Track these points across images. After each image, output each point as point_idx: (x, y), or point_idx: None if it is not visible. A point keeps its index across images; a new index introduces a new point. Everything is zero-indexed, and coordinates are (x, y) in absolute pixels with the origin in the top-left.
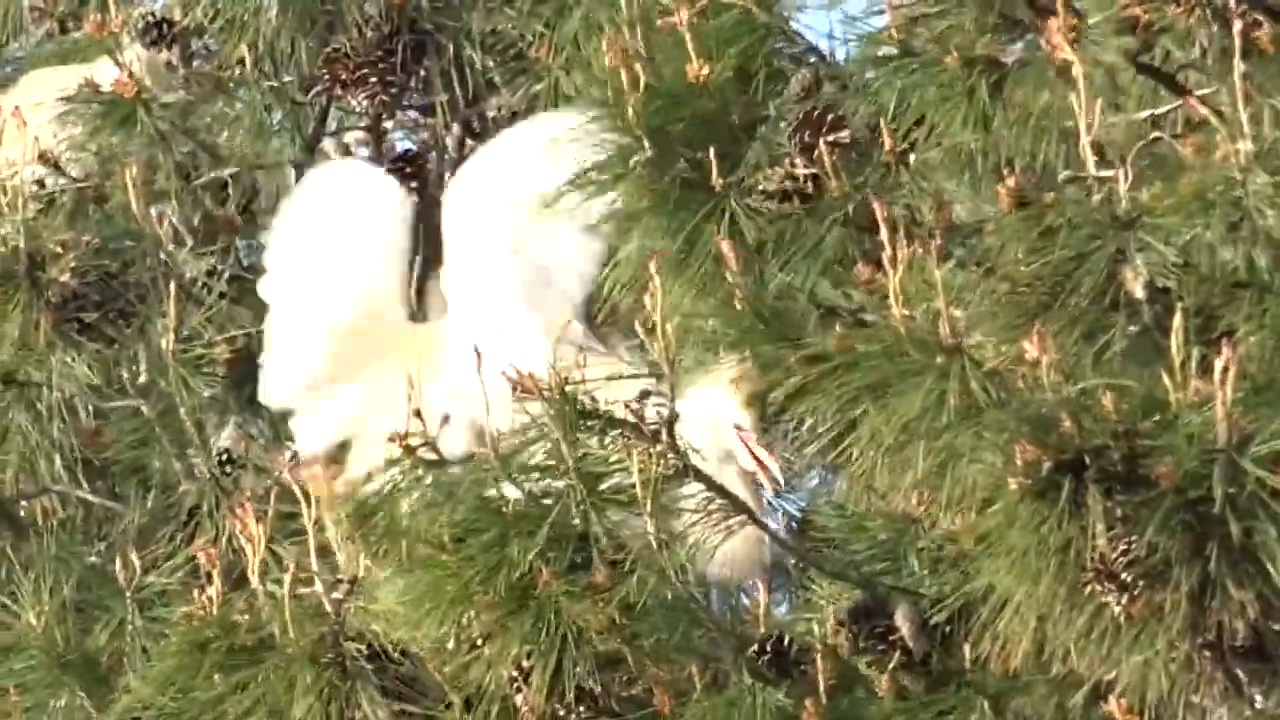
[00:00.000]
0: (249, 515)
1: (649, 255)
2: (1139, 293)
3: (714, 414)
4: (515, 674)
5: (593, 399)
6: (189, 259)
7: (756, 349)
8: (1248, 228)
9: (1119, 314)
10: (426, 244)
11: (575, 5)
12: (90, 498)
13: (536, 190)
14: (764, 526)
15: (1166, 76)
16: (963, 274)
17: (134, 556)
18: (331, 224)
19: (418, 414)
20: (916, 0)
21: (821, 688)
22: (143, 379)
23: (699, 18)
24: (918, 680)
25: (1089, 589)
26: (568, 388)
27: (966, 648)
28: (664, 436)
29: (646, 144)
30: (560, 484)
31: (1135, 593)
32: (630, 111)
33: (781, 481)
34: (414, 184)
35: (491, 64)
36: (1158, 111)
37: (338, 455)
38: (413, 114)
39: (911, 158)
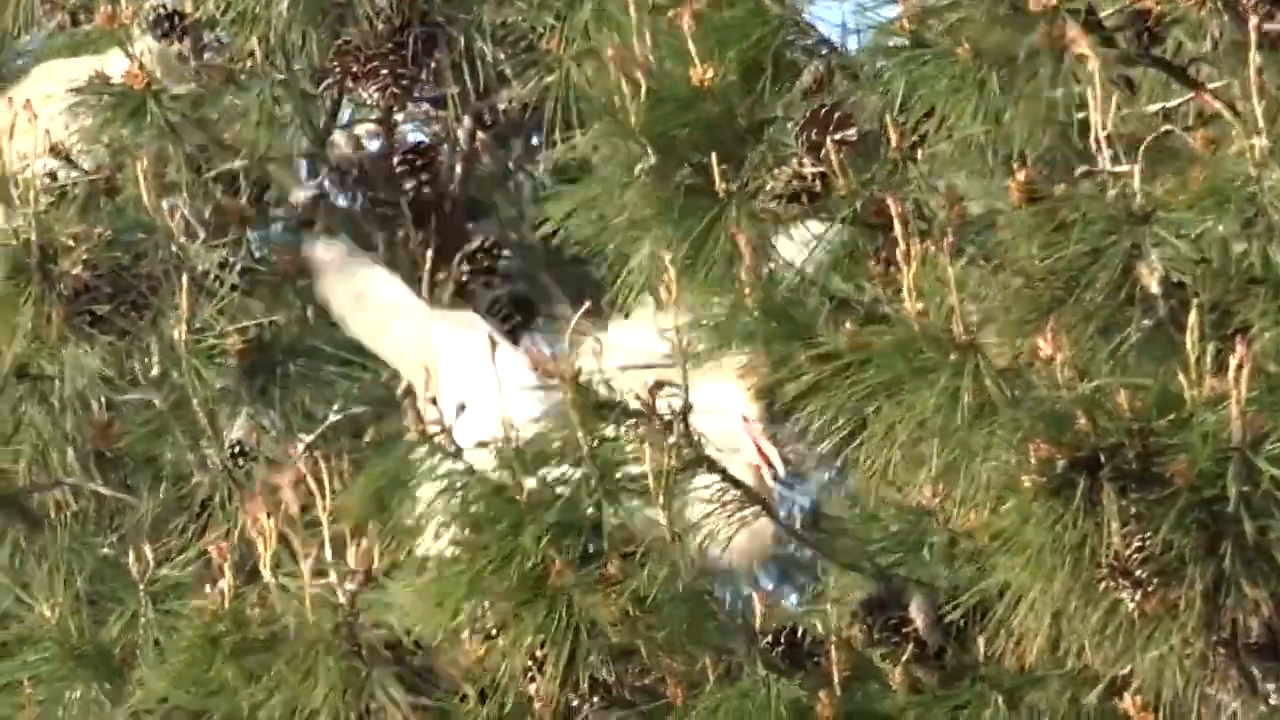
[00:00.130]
0: (260, 509)
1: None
2: (1154, 288)
3: (722, 405)
4: (530, 663)
5: (609, 388)
6: (201, 251)
7: (768, 346)
8: (1263, 223)
9: (1134, 310)
10: (439, 234)
11: None
12: (103, 490)
13: None
14: (777, 518)
15: (1178, 69)
16: (976, 270)
17: (147, 549)
18: None
19: (433, 401)
20: None
21: (835, 679)
22: (155, 371)
23: (711, 9)
24: (931, 674)
25: (1103, 585)
26: (583, 377)
27: (981, 642)
28: (678, 427)
29: (650, 151)
30: (575, 473)
31: (1150, 590)
32: (633, 118)
33: (783, 476)
34: (425, 176)
35: (502, 56)
36: (1169, 105)
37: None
38: (424, 106)
39: (920, 152)
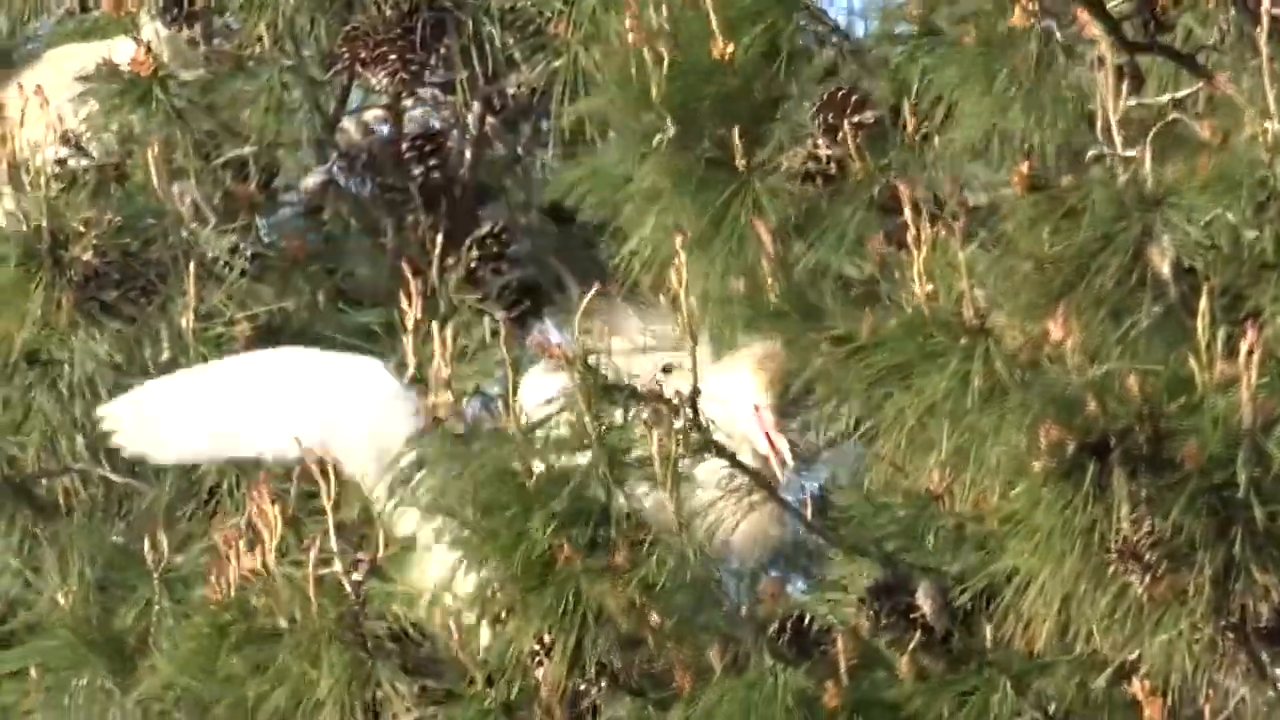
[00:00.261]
0: (265, 498)
1: (673, 232)
2: (1165, 273)
3: (732, 393)
4: (537, 649)
5: (617, 372)
6: (211, 237)
7: (783, 330)
8: (1275, 208)
9: (1144, 294)
10: (448, 220)
11: None
12: (112, 476)
13: None
14: (785, 504)
15: (1187, 58)
16: (986, 255)
17: (163, 537)
18: None
19: (447, 384)
20: None
21: (843, 668)
22: (165, 357)
23: None
24: (938, 660)
25: (1113, 570)
26: (591, 360)
27: (989, 628)
28: (686, 412)
29: (669, 122)
30: (583, 458)
31: (1159, 574)
32: (654, 89)
33: (791, 467)
34: (433, 161)
35: (511, 40)
36: (1179, 95)
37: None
38: (433, 91)
39: (936, 141)
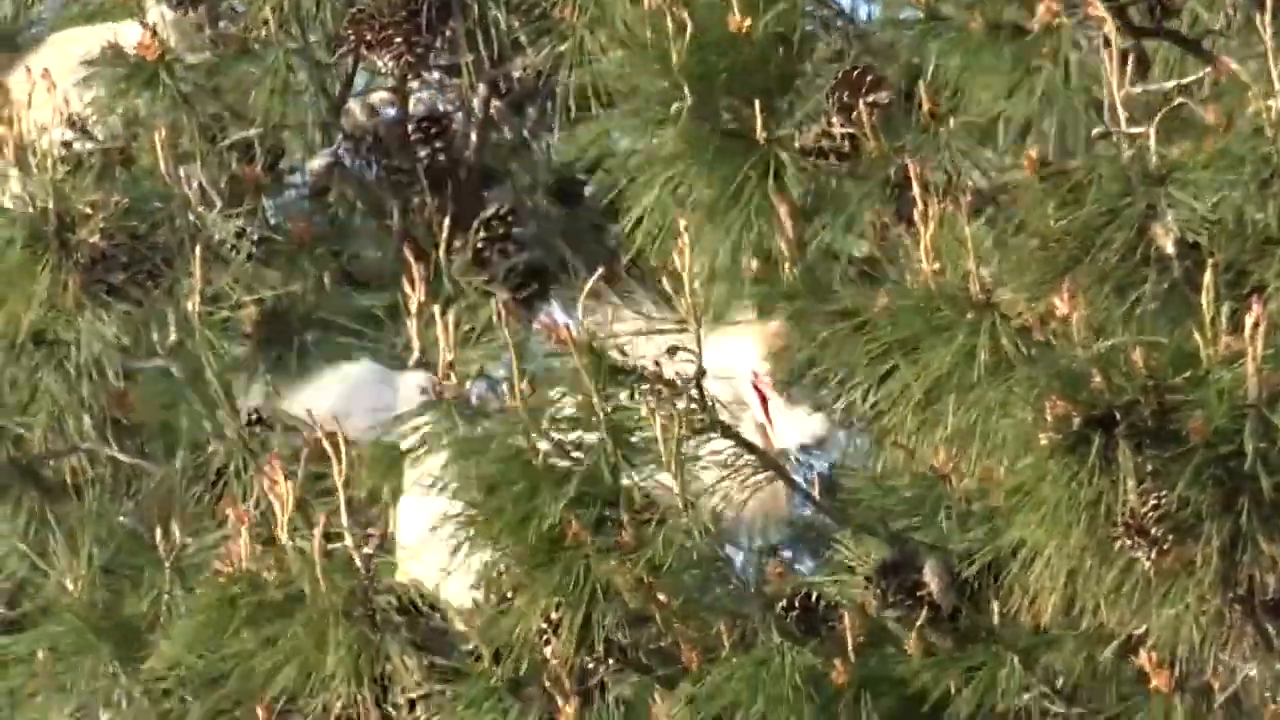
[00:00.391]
0: (278, 472)
1: (681, 204)
2: (1169, 249)
3: (732, 362)
4: (545, 626)
5: (623, 353)
6: (217, 220)
7: (794, 307)
8: (1278, 184)
9: (1149, 270)
10: (454, 202)
11: None
12: (120, 456)
13: None
14: (793, 483)
15: (1193, 43)
16: (993, 232)
17: (174, 524)
18: None
19: (450, 367)
20: None
21: (850, 645)
22: (171, 340)
23: None
24: (946, 637)
25: (1119, 544)
26: (597, 342)
27: (995, 604)
28: (691, 392)
29: (687, 91)
30: (591, 437)
31: (1165, 547)
32: (674, 56)
33: (786, 435)
34: (439, 144)
35: (516, 24)
36: (1185, 81)
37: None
38: (438, 74)
39: (952, 121)
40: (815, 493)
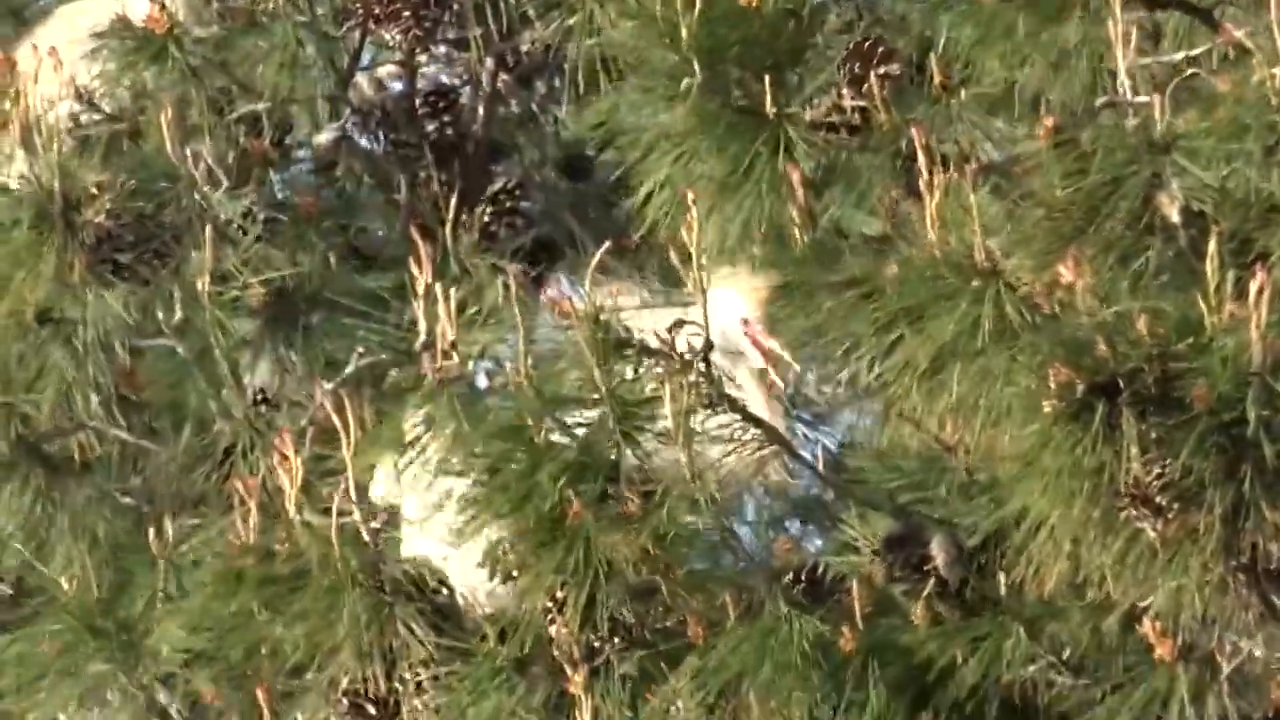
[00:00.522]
0: (288, 445)
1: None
2: (1175, 217)
3: (721, 313)
4: (550, 605)
5: (626, 328)
6: (223, 200)
7: (803, 277)
8: None
9: (1154, 239)
10: (462, 177)
11: None
12: (125, 436)
13: None
14: (798, 457)
15: (1203, 12)
16: (999, 201)
17: (169, 524)
18: None
19: (453, 346)
20: None
21: (858, 614)
22: (177, 319)
23: None
24: (952, 610)
25: (1123, 513)
26: (601, 316)
27: (1001, 574)
28: (698, 366)
29: (696, 67)
30: (593, 414)
31: (1169, 516)
32: (684, 31)
33: (796, 368)
34: (447, 118)
35: None
36: (1194, 52)
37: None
38: (446, 48)
39: (963, 93)
40: (820, 465)
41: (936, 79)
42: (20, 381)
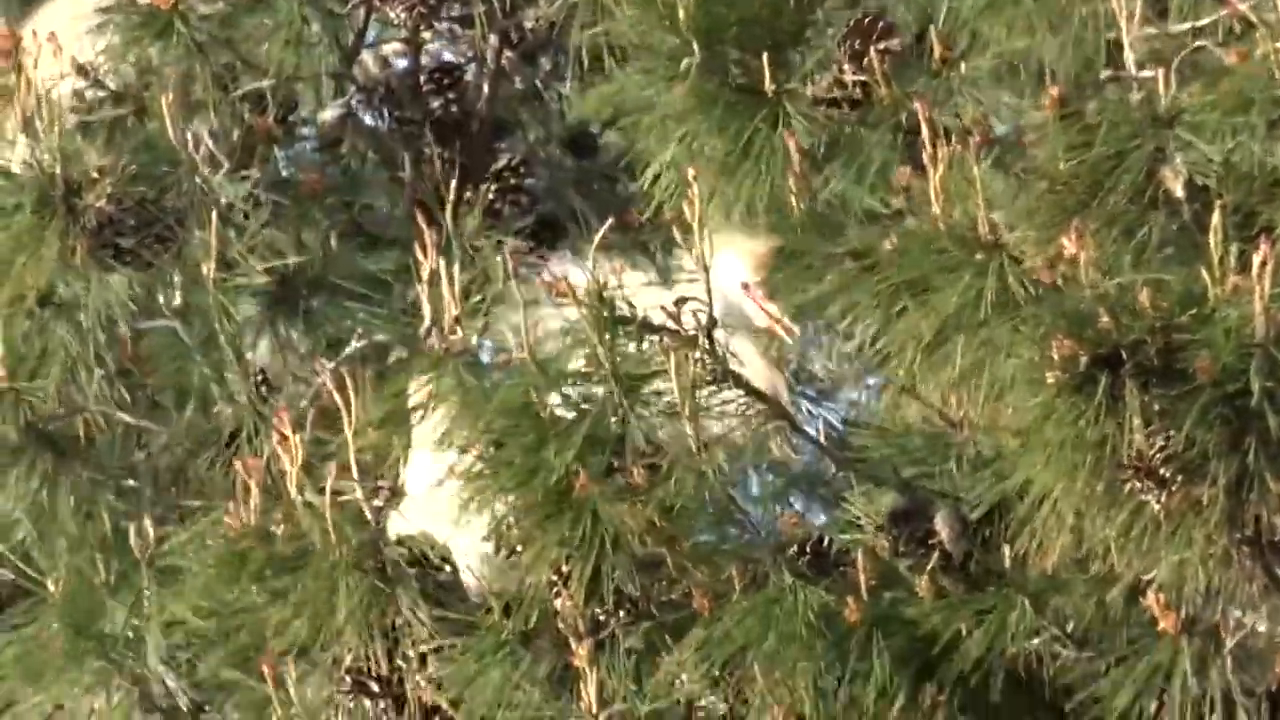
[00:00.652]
0: (286, 425)
1: (694, 159)
2: (1178, 191)
3: (720, 275)
4: (554, 578)
5: (630, 305)
6: (224, 183)
7: (804, 248)
8: None
9: (1158, 212)
10: (466, 154)
11: None
12: (128, 419)
13: None
14: (802, 432)
15: None
16: (1002, 175)
17: (148, 523)
18: None
19: (457, 321)
20: None
21: (863, 586)
22: (177, 302)
23: None
24: (957, 583)
25: (1127, 486)
26: (605, 293)
27: (1006, 547)
28: (703, 341)
29: (696, 47)
30: (599, 390)
31: (1173, 488)
32: (682, 13)
33: (796, 330)
34: (451, 95)
35: None
36: (1200, 23)
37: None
38: (450, 25)
39: (961, 67)
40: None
41: (937, 52)
42: (25, 365)
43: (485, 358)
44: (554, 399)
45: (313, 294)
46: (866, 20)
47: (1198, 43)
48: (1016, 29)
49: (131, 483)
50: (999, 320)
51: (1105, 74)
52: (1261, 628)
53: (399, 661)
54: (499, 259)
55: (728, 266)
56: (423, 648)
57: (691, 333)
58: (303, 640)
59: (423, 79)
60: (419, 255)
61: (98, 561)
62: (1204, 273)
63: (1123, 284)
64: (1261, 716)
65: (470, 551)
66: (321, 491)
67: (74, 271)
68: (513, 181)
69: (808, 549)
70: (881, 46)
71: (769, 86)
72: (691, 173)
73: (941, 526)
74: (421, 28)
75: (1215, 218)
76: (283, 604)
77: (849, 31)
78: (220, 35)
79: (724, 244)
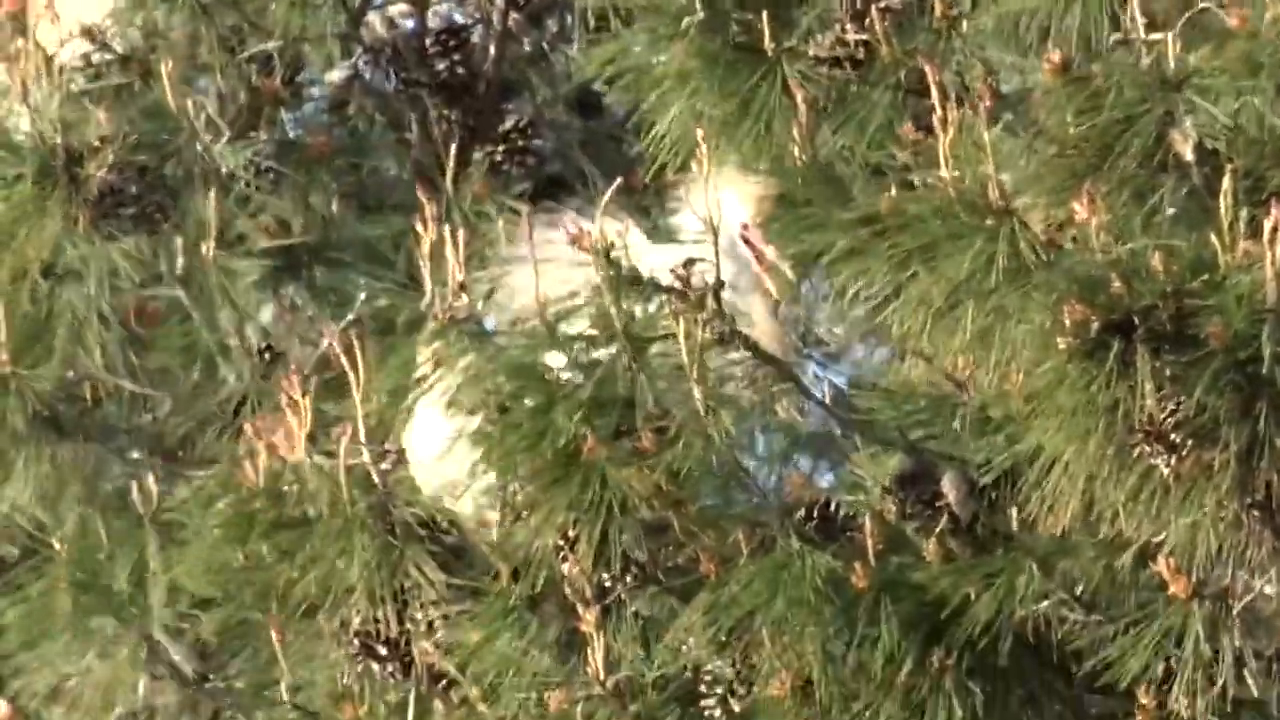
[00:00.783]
0: (295, 387)
1: (697, 119)
2: (1188, 155)
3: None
4: (562, 542)
5: (634, 267)
6: (225, 152)
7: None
8: None
9: (1168, 176)
10: (473, 115)
11: None
12: (132, 387)
13: None
14: (808, 393)
15: None
16: (1012, 138)
17: (151, 481)
18: None
19: (461, 287)
20: None
21: (870, 550)
22: (178, 270)
23: None
24: (964, 546)
25: (1137, 450)
26: (613, 253)
27: (1014, 510)
28: (710, 302)
29: (698, 5)
30: (607, 351)
31: (1184, 453)
32: None
33: (791, 277)
34: (458, 56)
35: None
36: None
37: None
38: None
39: (964, 25)
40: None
41: (939, 10)
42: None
43: (489, 323)
44: (561, 360)
45: (317, 260)
46: None
47: (1203, 5)
48: None
49: (135, 455)
50: (1010, 286)
51: (1115, 36)
52: (1270, 590)
53: (407, 624)
54: (501, 222)
55: (728, 205)
56: (431, 612)
57: (699, 293)
58: (311, 599)
59: (429, 40)
60: (421, 230)
61: (101, 523)
62: (1214, 238)
63: (1134, 249)
64: (1270, 679)
65: (477, 515)
66: (329, 455)
67: (78, 238)
68: (520, 143)
69: (815, 513)
70: (883, 4)
71: (769, 45)
72: (700, 134)
73: (949, 488)
74: None
75: (1226, 182)
76: (290, 563)
77: None
78: None
79: (726, 184)
